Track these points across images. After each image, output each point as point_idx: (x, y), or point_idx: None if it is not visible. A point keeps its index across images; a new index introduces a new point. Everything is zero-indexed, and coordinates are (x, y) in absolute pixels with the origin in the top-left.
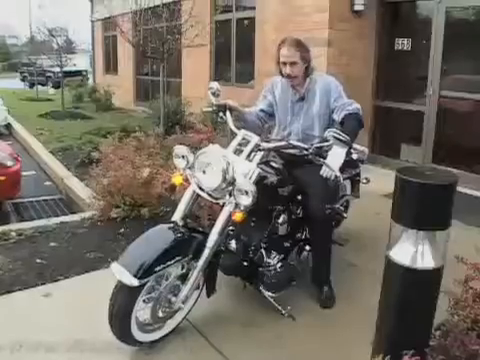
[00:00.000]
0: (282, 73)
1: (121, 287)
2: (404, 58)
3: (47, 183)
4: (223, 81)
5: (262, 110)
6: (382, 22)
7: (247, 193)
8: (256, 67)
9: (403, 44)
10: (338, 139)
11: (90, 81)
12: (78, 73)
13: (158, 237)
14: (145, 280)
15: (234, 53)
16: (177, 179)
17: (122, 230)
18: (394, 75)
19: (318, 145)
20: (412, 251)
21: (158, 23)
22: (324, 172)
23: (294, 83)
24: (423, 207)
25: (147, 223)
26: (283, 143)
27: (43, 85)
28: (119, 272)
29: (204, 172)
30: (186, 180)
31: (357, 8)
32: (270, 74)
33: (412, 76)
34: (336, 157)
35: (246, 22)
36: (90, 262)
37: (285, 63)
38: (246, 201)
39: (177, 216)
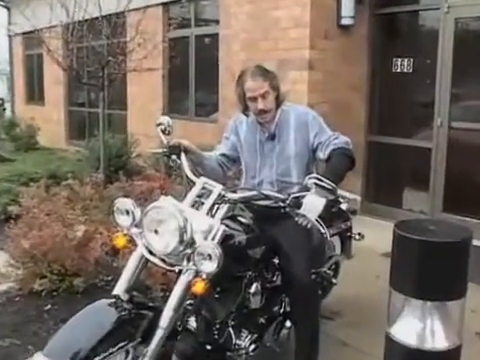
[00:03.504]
0: (245, 112)
1: None
2: (404, 82)
3: None
4: (179, 114)
5: (224, 154)
6: (376, 39)
7: (210, 257)
8: (221, 96)
9: (403, 65)
10: (322, 187)
11: (8, 113)
12: None
13: (96, 317)
14: None
15: (193, 78)
16: (120, 240)
17: (48, 307)
18: (392, 103)
19: (297, 195)
20: (419, 327)
21: (96, 40)
22: (299, 219)
23: (267, 119)
24: (429, 271)
25: (82, 297)
26: (253, 193)
27: None
28: None
29: (156, 232)
30: (131, 241)
31: (345, 22)
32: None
33: (415, 104)
34: (312, 207)
35: (208, 40)
36: (4, 352)
37: (255, 98)
38: (209, 267)
39: (120, 288)
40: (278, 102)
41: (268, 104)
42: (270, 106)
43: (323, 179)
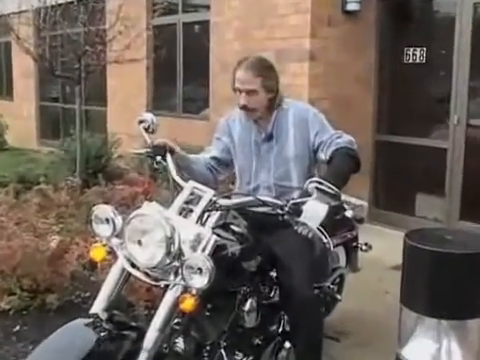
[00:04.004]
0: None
1: None
2: (416, 74)
3: None
4: (166, 110)
5: (214, 158)
6: (385, 26)
7: (201, 271)
8: (212, 90)
9: (415, 55)
10: (323, 191)
11: None
12: None
13: (72, 339)
14: None
15: (181, 71)
16: (98, 252)
17: (17, 328)
18: (403, 99)
19: (296, 201)
20: (433, 349)
21: (72, 28)
22: (299, 228)
23: (253, 117)
24: (444, 286)
25: (55, 316)
26: (248, 198)
27: None
28: None
29: (139, 243)
30: (111, 253)
31: (350, 7)
32: (231, 99)
33: (428, 99)
34: (314, 214)
35: (197, 27)
36: None
37: (240, 90)
38: (200, 282)
39: (99, 306)
40: (273, 104)
41: (253, 102)
42: (256, 105)
43: (325, 183)
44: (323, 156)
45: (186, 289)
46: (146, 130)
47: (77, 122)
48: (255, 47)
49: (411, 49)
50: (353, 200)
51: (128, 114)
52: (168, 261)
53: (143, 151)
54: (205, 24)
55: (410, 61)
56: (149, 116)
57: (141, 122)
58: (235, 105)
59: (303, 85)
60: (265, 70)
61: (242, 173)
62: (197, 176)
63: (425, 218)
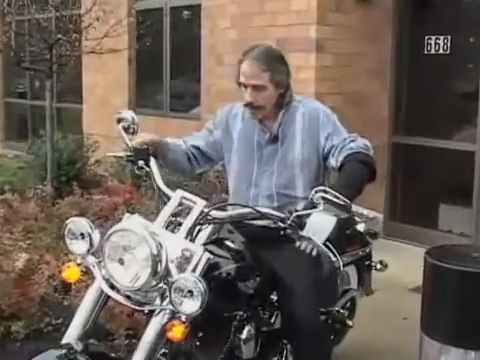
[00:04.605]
0: None
1: None
2: (439, 67)
3: None
4: (151, 109)
5: (197, 147)
6: (404, 11)
7: (192, 294)
8: (203, 85)
9: (438, 44)
10: (331, 202)
11: None
12: None
13: None
14: None
15: (168, 63)
16: (72, 272)
17: None
18: (423, 95)
19: (300, 212)
20: None
21: (42, 13)
22: (302, 244)
23: (258, 116)
24: (472, 311)
25: (22, 347)
26: (245, 210)
27: None
28: None
29: (120, 261)
30: (87, 273)
31: None
32: (227, 95)
33: (453, 95)
34: (319, 227)
35: (187, 13)
36: None
37: (245, 85)
38: (191, 307)
39: (73, 335)
40: (282, 101)
41: (261, 99)
42: (263, 102)
43: (332, 192)
44: (334, 162)
45: (174, 315)
46: (126, 130)
47: (48, 122)
48: (254, 36)
49: (433, 38)
50: (366, 212)
51: (107, 113)
52: (154, 283)
53: (122, 154)
54: (196, 9)
55: (432, 51)
56: (129, 114)
57: (120, 121)
58: (233, 102)
59: (309, 79)
60: (274, 62)
61: (239, 178)
62: (171, 163)
63: (449, 232)
